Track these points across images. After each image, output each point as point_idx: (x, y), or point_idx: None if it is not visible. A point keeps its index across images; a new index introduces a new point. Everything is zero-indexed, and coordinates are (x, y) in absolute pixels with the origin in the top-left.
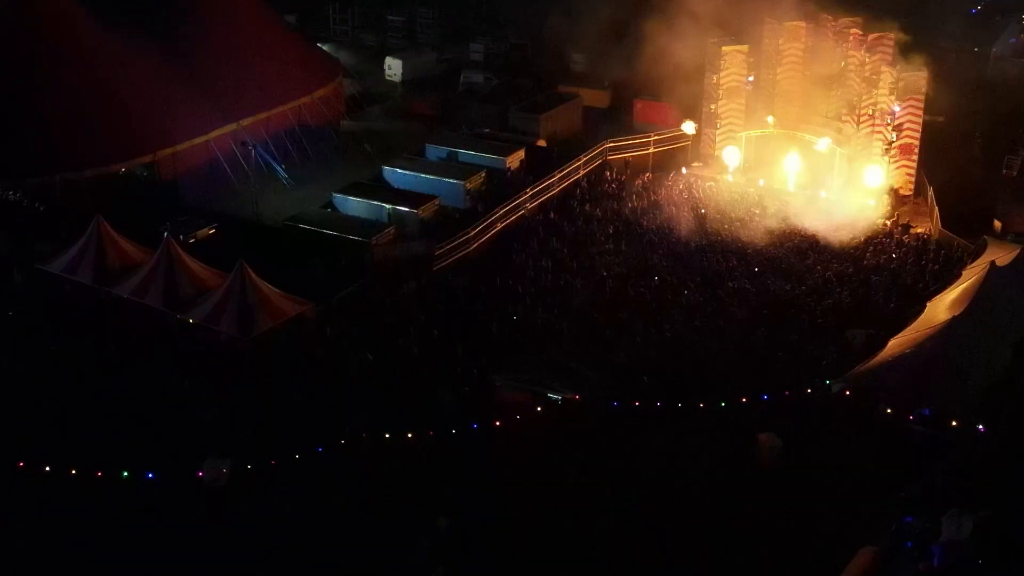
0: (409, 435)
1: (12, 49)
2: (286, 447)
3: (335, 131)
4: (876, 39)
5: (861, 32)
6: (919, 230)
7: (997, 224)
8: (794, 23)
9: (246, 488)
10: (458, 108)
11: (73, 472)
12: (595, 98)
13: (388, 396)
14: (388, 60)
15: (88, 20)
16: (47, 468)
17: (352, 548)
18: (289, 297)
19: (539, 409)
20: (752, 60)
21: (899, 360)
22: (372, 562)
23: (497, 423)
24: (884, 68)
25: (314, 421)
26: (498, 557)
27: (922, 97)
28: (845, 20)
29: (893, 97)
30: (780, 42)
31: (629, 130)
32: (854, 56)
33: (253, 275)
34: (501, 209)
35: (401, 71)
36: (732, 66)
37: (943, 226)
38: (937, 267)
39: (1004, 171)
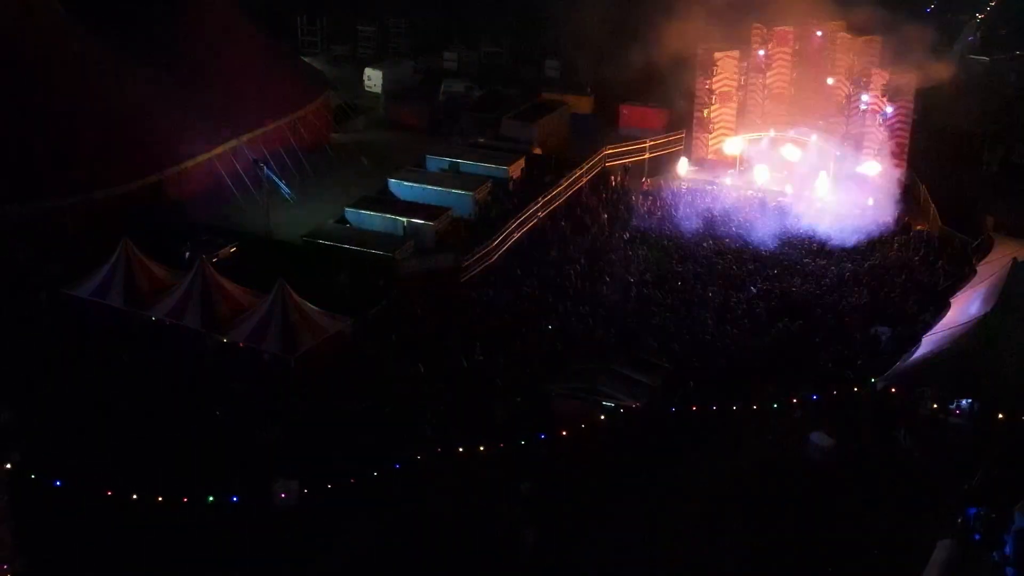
0: (481, 448)
1: (17, 73)
2: (354, 464)
3: (327, 144)
4: (865, 42)
5: (849, 36)
6: (918, 227)
7: (990, 220)
8: (782, 28)
9: (317, 506)
10: (445, 118)
11: (160, 499)
12: (578, 104)
13: (445, 410)
14: (367, 71)
15: (89, 41)
16: (135, 496)
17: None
18: (326, 314)
19: (603, 418)
20: (744, 65)
21: (939, 356)
22: (464, 531)
23: (564, 433)
24: (874, 70)
25: (376, 437)
26: (581, 521)
27: (912, 98)
28: (831, 24)
29: (885, 99)
30: (769, 47)
31: (615, 135)
32: (842, 59)
33: (293, 294)
34: (517, 219)
35: (381, 82)
36: (725, 71)
37: (933, 222)
38: (946, 264)
39: (984, 167)
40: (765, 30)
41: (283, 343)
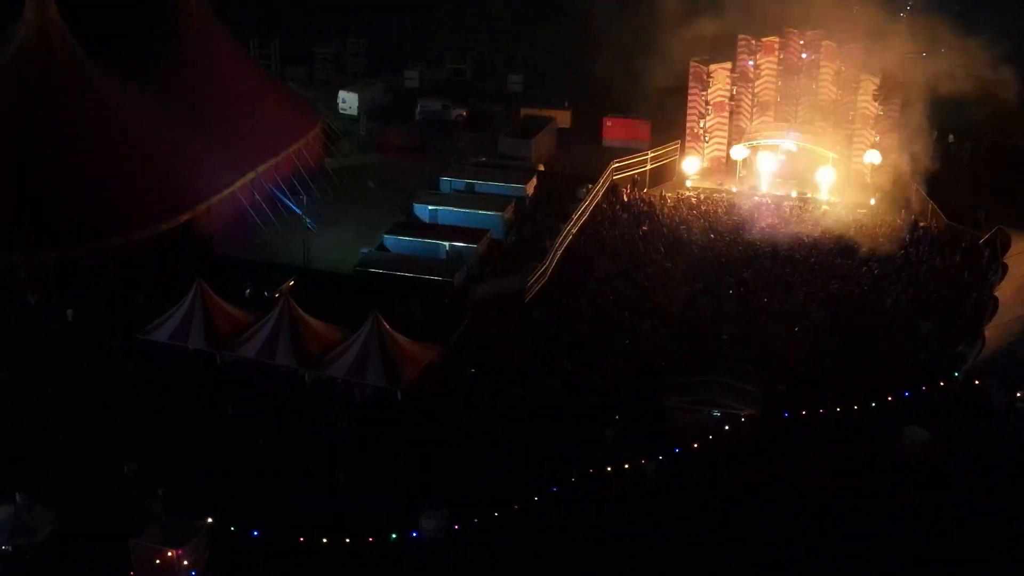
0: (626, 466)
1: (50, 120)
2: (501, 491)
3: (328, 169)
4: (851, 49)
5: (833, 43)
6: (922, 224)
7: (981, 213)
8: (769, 39)
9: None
10: (432, 138)
11: (347, 540)
12: (558, 119)
13: (565, 430)
14: (342, 94)
15: (114, 84)
16: (324, 539)
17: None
18: (417, 343)
19: (726, 428)
20: (735, 75)
21: (1010, 348)
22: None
23: (696, 445)
24: (864, 76)
25: (513, 462)
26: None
27: (900, 100)
28: (812, 33)
29: (876, 102)
30: (756, 57)
31: (600, 148)
32: (827, 66)
33: (386, 325)
34: (560, 237)
35: (356, 104)
36: (718, 83)
37: (933, 219)
38: (960, 259)
39: (954, 162)
40: (753, 41)
41: (387, 376)
